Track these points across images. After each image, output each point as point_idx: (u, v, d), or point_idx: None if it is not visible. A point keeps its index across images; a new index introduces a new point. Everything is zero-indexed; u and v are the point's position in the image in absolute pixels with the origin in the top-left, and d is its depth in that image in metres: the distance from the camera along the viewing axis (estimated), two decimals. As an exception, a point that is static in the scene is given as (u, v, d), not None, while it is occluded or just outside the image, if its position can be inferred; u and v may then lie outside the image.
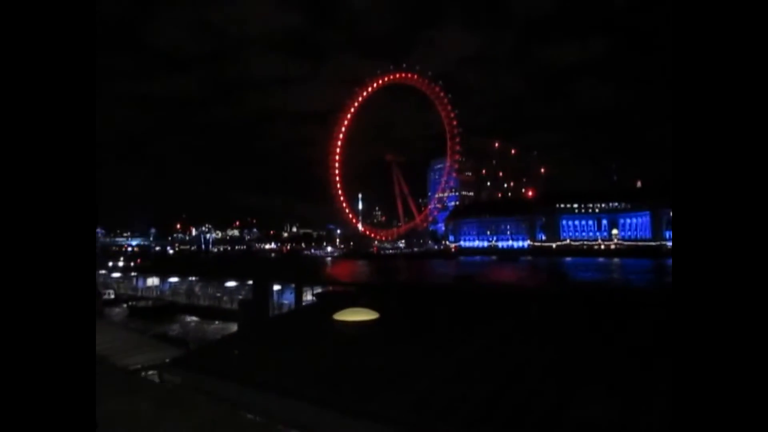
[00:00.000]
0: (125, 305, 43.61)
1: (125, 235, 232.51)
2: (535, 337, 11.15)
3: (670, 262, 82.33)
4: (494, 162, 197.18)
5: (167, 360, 13.82)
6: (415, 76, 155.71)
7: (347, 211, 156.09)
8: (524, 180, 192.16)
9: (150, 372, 13.78)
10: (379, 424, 7.62)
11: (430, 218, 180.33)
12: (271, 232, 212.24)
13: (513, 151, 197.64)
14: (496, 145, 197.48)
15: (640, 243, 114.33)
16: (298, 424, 8.52)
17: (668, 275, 54.93)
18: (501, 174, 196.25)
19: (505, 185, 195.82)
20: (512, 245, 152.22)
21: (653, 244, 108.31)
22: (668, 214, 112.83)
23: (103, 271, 53.22)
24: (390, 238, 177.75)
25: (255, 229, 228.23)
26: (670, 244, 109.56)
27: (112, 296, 46.93)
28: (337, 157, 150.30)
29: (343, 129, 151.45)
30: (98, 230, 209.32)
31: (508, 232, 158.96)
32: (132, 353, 15.25)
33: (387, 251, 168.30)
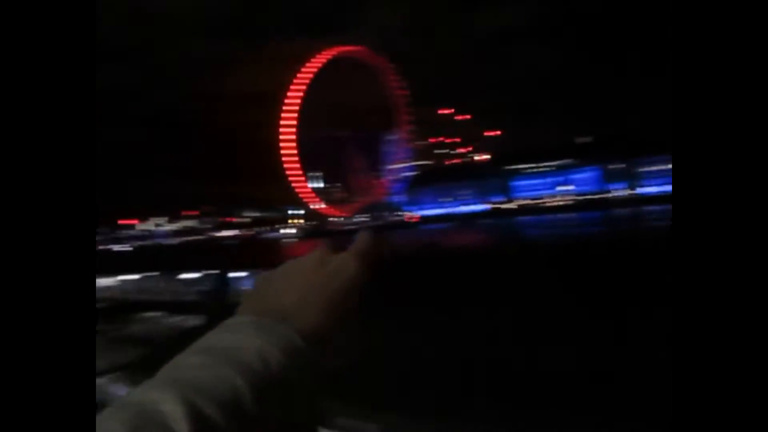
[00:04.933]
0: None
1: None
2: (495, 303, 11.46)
3: (614, 212, 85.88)
4: (446, 129, 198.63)
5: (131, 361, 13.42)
6: (360, 48, 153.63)
7: (305, 191, 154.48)
8: (477, 144, 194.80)
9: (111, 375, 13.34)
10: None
11: (388, 190, 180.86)
12: (227, 219, 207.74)
13: (464, 117, 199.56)
14: (447, 111, 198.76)
15: (588, 197, 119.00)
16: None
17: (614, 224, 57.11)
18: (453, 140, 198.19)
19: (458, 150, 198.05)
20: (472, 209, 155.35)
21: (599, 197, 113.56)
22: (614, 166, 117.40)
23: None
24: (349, 214, 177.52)
25: (211, 218, 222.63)
26: (613, 195, 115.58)
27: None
28: (289, 137, 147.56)
29: (292, 108, 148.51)
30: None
31: (466, 198, 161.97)
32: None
33: (347, 227, 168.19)
